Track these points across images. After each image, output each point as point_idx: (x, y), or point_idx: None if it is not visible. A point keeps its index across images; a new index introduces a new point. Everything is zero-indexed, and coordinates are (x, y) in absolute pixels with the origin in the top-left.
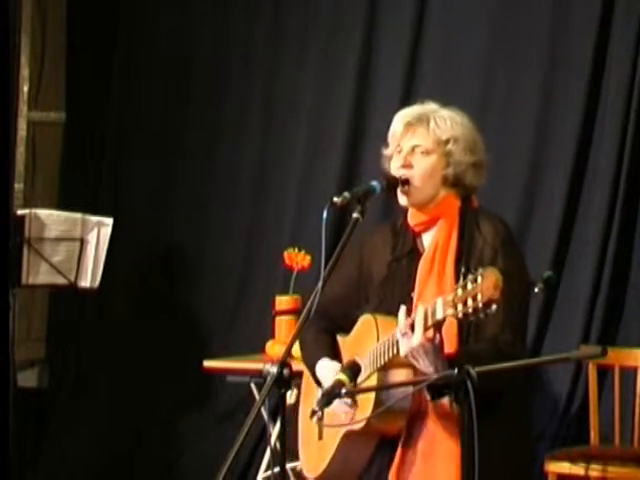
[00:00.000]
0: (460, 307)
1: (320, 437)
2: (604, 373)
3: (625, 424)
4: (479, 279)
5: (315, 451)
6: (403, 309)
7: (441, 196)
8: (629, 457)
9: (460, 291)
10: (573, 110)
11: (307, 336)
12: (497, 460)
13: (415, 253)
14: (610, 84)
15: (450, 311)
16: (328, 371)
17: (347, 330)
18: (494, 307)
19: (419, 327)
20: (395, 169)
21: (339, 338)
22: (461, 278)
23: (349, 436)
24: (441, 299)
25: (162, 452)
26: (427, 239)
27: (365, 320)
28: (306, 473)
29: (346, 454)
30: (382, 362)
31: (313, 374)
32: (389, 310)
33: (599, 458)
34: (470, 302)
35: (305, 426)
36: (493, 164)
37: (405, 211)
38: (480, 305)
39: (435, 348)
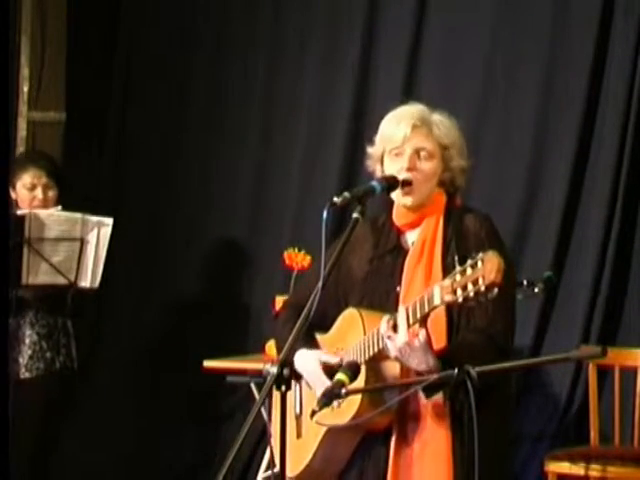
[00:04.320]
0: (460, 292)
1: (299, 436)
2: (604, 373)
3: (625, 424)
4: (479, 263)
5: (293, 450)
6: (386, 316)
7: (433, 196)
8: (629, 457)
9: (459, 276)
10: (573, 110)
11: (284, 333)
12: (483, 457)
13: (399, 250)
14: (610, 84)
15: (449, 297)
16: (307, 358)
17: (323, 329)
18: (496, 291)
19: (402, 326)
20: (396, 171)
21: (317, 336)
22: (457, 264)
23: (333, 433)
24: (438, 285)
25: (162, 452)
26: (412, 236)
27: (348, 314)
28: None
29: (329, 451)
30: (371, 354)
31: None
32: (371, 305)
33: (599, 458)
34: (471, 286)
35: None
36: (493, 163)
37: (389, 209)
38: (482, 289)
39: (422, 344)
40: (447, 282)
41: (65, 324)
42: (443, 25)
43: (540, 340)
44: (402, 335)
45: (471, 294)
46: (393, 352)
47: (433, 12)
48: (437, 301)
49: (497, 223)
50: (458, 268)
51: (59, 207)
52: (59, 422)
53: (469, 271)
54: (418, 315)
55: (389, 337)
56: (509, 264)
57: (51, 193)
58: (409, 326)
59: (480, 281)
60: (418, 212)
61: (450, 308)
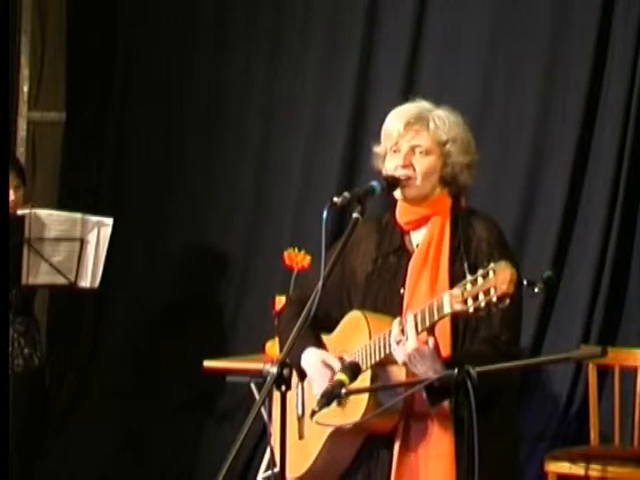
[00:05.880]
0: (470, 302)
1: (301, 436)
2: (604, 373)
3: (625, 424)
4: (491, 273)
5: (296, 451)
6: (397, 320)
7: (436, 193)
8: (629, 457)
9: (469, 286)
10: (573, 110)
11: (288, 331)
12: (488, 460)
13: (403, 251)
14: (610, 84)
15: (459, 306)
16: (312, 354)
17: (326, 329)
18: (507, 301)
19: (411, 333)
20: (392, 168)
21: (322, 336)
22: (467, 273)
23: (337, 434)
24: (448, 294)
25: (162, 452)
26: (416, 237)
27: (353, 317)
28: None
29: (332, 453)
30: (377, 359)
31: (296, 368)
32: (375, 306)
33: (599, 458)
34: (482, 297)
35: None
36: (493, 164)
37: (393, 209)
38: (494, 299)
39: (431, 351)
40: (457, 291)
41: (37, 321)
42: (443, 25)
43: (540, 340)
44: (412, 341)
45: (482, 304)
46: (401, 357)
47: (433, 12)
48: (447, 310)
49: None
50: (469, 277)
51: (29, 205)
52: (44, 419)
53: (480, 281)
54: (427, 323)
55: (399, 342)
56: (517, 268)
57: (20, 192)
58: (418, 333)
59: (492, 292)
60: (420, 209)
61: (458, 317)
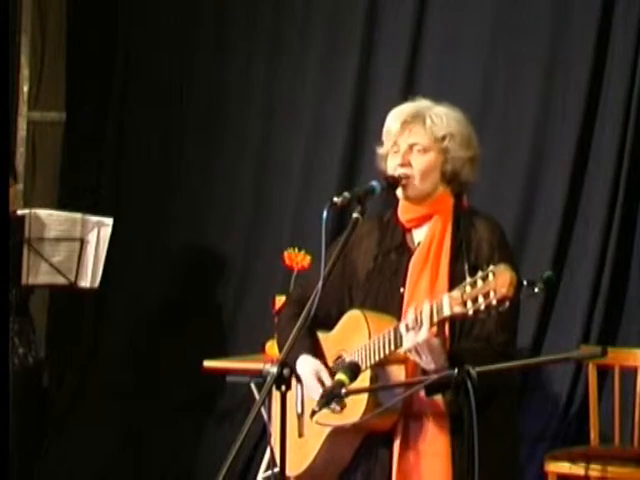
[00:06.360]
0: (470, 304)
1: (300, 434)
2: (604, 373)
3: (625, 424)
4: (490, 276)
5: (295, 449)
6: (414, 306)
7: (438, 192)
8: (629, 457)
9: (469, 288)
10: (573, 110)
11: (287, 330)
12: (488, 460)
13: (404, 248)
14: (610, 84)
15: (458, 309)
16: (307, 367)
17: (325, 327)
18: (507, 304)
19: (426, 323)
20: (393, 168)
21: (320, 335)
22: (467, 275)
23: (337, 433)
24: (447, 296)
25: (162, 452)
26: (418, 235)
27: (352, 316)
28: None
29: (332, 451)
30: (377, 359)
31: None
32: (375, 304)
33: (599, 458)
34: (481, 299)
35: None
36: (493, 164)
37: (395, 206)
38: (494, 302)
39: (440, 345)
40: (456, 293)
41: (32, 321)
42: (443, 25)
43: (540, 340)
44: (425, 331)
45: (482, 307)
46: (408, 345)
47: (433, 12)
48: (447, 312)
49: None
50: (468, 279)
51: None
52: (43, 419)
53: (480, 283)
54: (436, 319)
55: (412, 328)
56: (517, 271)
57: (13, 189)
58: (432, 325)
59: (491, 294)
60: (422, 208)
61: (458, 319)
